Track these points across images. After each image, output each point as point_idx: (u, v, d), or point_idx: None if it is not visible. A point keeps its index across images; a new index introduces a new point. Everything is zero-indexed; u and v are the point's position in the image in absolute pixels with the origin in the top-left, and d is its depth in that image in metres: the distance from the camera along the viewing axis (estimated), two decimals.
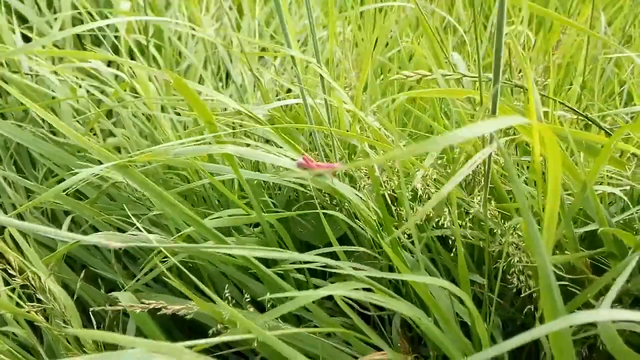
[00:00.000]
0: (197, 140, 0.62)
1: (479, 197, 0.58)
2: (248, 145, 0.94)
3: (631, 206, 0.64)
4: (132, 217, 0.63)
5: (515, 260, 0.57)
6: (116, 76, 1.09)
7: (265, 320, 0.52)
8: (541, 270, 0.38)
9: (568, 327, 0.41)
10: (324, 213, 0.66)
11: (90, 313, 0.74)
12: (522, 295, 0.62)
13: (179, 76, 0.49)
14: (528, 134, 0.55)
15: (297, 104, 0.87)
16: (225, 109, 0.87)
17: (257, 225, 0.80)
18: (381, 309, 0.72)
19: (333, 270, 0.69)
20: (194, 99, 0.54)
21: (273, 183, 0.85)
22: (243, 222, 0.70)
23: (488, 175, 0.50)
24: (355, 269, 0.59)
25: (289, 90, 1.12)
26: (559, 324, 0.37)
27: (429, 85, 0.83)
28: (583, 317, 0.37)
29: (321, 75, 0.60)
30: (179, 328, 0.84)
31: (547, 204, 0.37)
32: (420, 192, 0.59)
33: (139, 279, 0.74)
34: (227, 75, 1.36)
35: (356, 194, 0.63)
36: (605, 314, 0.37)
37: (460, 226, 0.60)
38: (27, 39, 1.22)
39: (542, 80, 0.90)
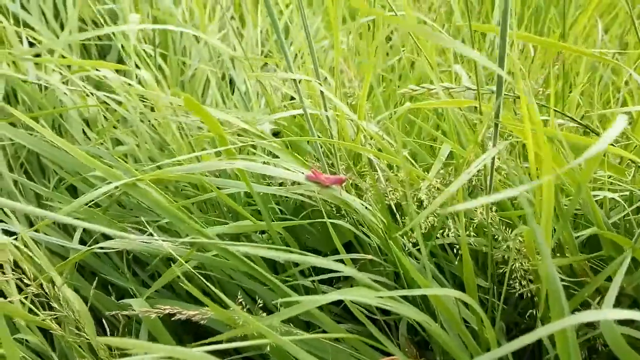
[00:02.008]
0: (207, 154, 0.63)
1: (482, 206, 0.60)
2: (255, 152, 0.96)
3: (626, 207, 0.66)
4: (136, 222, 0.65)
5: (517, 266, 0.58)
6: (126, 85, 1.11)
7: (274, 321, 0.53)
8: (546, 272, 0.40)
9: (573, 327, 0.43)
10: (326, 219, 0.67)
11: (102, 320, 0.76)
12: (524, 299, 0.64)
13: (192, 97, 0.51)
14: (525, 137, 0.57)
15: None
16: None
17: (264, 232, 0.82)
18: (387, 313, 0.73)
19: (340, 274, 0.71)
20: (208, 118, 0.55)
21: None
22: (250, 229, 0.72)
23: (491, 181, 0.52)
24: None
25: (292, 98, 1.14)
26: (563, 323, 0.39)
27: (433, 96, 0.85)
28: (587, 316, 0.38)
29: (322, 92, 0.62)
30: (190, 335, 0.86)
31: (543, 204, 0.39)
32: (425, 203, 0.61)
33: (151, 286, 0.76)
34: (231, 82, 1.38)
35: (361, 204, 0.64)
36: (608, 313, 0.39)
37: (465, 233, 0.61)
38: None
39: (542, 90, 0.92)
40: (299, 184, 0.78)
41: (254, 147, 0.90)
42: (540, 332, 0.37)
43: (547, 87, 0.96)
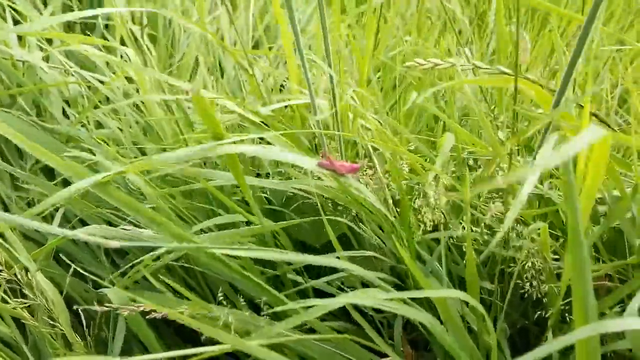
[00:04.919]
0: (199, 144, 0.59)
1: (492, 202, 0.57)
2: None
3: None
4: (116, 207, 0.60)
5: (529, 265, 0.55)
6: (107, 64, 1.05)
7: (278, 329, 0.49)
8: (579, 273, 0.37)
9: (598, 336, 0.40)
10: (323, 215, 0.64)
11: (77, 308, 0.71)
12: (525, 299, 0.61)
13: (199, 94, 0.47)
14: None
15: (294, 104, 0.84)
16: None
17: (249, 223, 0.77)
18: (379, 311, 0.70)
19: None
20: (208, 117, 0.51)
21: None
22: (244, 235, 0.67)
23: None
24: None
25: (280, 88, 1.10)
26: (588, 331, 0.36)
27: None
28: (613, 324, 0.35)
29: (331, 76, 0.58)
30: (169, 325, 0.81)
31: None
32: (432, 197, 0.57)
33: (129, 277, 0.71)
34: (220, 67, 1.34)
35: (369, 195, 0.60)
36: (636, 322, 0.36)
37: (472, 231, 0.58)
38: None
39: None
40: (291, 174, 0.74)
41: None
42: (565, 340, 0.34)
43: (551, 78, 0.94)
